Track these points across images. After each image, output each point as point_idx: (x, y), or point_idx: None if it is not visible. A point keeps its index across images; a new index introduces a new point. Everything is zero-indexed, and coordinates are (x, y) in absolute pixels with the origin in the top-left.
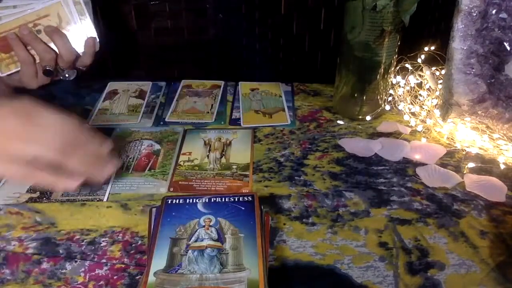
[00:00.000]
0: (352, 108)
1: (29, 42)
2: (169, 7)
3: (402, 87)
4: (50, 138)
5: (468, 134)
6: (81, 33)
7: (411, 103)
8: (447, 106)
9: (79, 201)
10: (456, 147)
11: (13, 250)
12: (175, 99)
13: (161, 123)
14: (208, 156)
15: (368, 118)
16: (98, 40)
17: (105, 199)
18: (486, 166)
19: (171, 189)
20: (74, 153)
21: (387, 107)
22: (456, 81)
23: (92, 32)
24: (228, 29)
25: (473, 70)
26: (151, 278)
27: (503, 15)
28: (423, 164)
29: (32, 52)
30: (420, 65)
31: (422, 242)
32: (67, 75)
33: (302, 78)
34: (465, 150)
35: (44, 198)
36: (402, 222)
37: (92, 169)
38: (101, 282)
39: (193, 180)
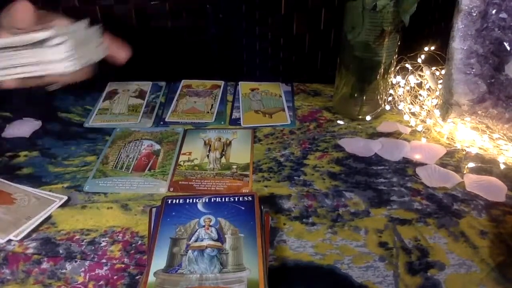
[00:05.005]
0: (352, 108)
1: None
2: (169, 7)
3: (402, 87)
4: None
5: (468, 134)
6: None
7: (411, 103)
8: (447, 106)
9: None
10: (456, 147)
11: (13, 250)
12: (175, 99)
13: (161, 123)
14: (208, 156)
15: (368, 118)
16: None
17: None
18: (486, 166)
19: (171, 189)
20: None
21: (387, 107)
22: (456, 81)
23: None
24: (228, 29)
25: (473, 70)
26: (151, 278)
27: (503, 15)
28: (423, 164)
29: None
30: (420, 65)
31: (422, 242)
32: None
33: (302, 78)
34: (465, 150)
35: None
36: (402, 222)
37: None
38: (101, 282)
39: (193, 180)
